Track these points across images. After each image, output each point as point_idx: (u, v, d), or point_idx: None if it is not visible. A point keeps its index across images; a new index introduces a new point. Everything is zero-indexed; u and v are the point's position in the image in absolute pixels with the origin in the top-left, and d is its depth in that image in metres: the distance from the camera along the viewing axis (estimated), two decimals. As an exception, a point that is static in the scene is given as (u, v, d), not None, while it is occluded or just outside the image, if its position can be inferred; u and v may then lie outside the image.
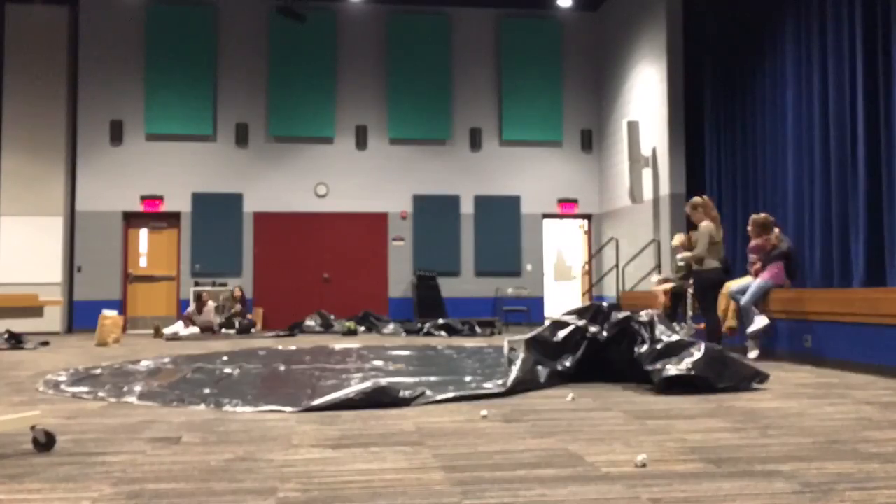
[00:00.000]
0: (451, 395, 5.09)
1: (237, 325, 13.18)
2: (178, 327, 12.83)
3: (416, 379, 5.92)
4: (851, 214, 8.42)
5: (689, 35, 12.29)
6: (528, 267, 15.28)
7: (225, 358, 7.98)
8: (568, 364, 5.80)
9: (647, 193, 12.97)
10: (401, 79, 15.04)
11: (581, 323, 5.92)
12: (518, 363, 5.65)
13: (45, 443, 3.47)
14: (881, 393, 5.28)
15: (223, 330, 13.07)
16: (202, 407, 4.82)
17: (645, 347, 5.50)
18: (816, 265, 8.94)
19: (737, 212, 11.01)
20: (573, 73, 15.58)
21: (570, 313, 6.12)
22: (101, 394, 5.34)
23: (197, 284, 14.23)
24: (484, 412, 4.44)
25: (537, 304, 15.13)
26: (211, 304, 13.31)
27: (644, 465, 3.12)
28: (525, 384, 5.43)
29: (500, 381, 5.52)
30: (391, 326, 13.20)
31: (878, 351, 6.45)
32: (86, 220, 14.21)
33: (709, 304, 7.89)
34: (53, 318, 13.26)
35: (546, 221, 15.59)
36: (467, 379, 5.93)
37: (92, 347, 10.12)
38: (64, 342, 11.18)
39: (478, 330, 12.61)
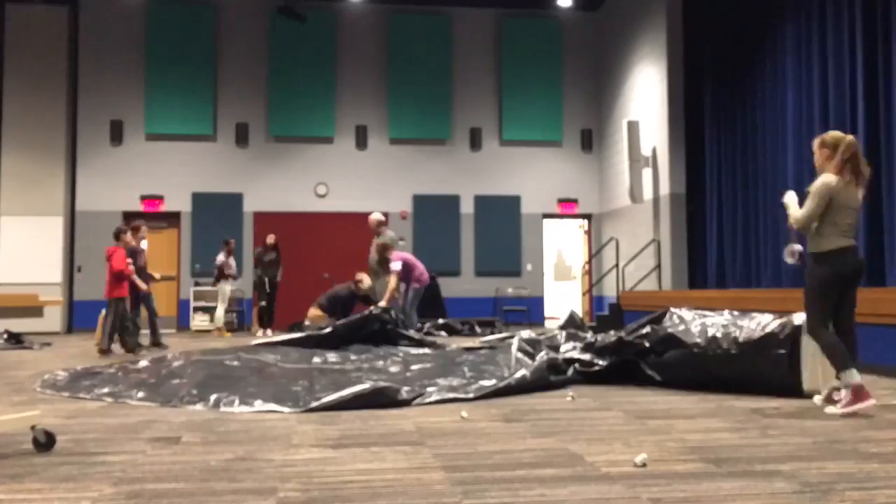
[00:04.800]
0: (451, 395, 5.09)
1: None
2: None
3: (416, 378, 5.90)
4: (851, 214, 8.41)
5: (689, 35, 12.30)
6: (528, 267, 15.28)
7: (225, 357, 7.96)
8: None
9: (647, 193, 12.97)
10: (401, 79, 15.04)
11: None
12: (535, 363, 5.71)
13: (45, 443, 3.47)
14: (881, 393, 5.28)
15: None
16: (202, 407, 4.82)
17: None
18: (816, 265, 8.93)
19: (737, 212, 11.01)
20: (573, 73, 15.58)
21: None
22: (100, 393, 5.34)
23: (197, 284, 14.23)
24: (464, 413, 4.44)
25: (537, 304, 15.14)
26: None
27: (644, 465, 3.12)
28: (532, 384, 5.47)
29: (502, 379, 5.50)
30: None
31: (878, 351, 6.45)
32: (86, 220, 14.21)
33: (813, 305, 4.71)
34: (53, 318, 13.27)
35: (546, 221, 15.59)
36: (464, 379, 5.90)
37: (92, 347, 10.11)
38: (64, 342, 11.18)
39: (478, 330, 12.60)
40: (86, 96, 14.37)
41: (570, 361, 5.98)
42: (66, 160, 14.15)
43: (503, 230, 15.16)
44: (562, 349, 6.20)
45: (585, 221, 15.81)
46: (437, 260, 14.90)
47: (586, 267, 15.60)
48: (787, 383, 5.07)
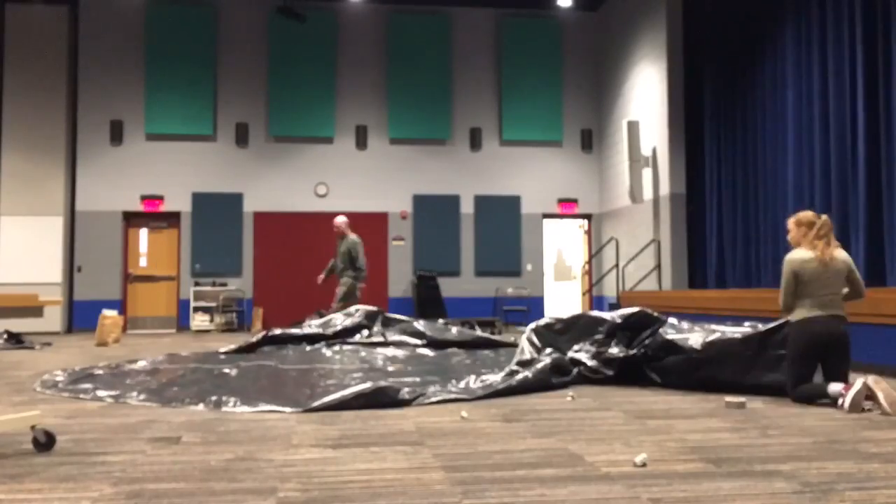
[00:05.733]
0: (451, 396, 5.09)
1: None
2: None
3: (416, 378, 5.91)
4: (851, 214, 8.42)
5: (689, 35, 12.30)
6: (528, 267, 15.28)
7: (224, 358, 7.97)
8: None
9: (647, 193, 12.97)
10: (401, 79, 15.04)
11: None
12: (538, 366, 5.71)
13: (45, 443, 3.47)
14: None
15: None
16: (202, 407, 4.82)
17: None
18: (816, 265, 8.93)
19: (737, 212, 11.01)
20: (573, 73, 15.58)
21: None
22: (100, 394, 5.34)
23: (197, 284, 14.23)
24: (464, 413, 4.44)
25: (537, 303, 15.13)
26: None
27: (644, 465, 3.12)
28: (533, 385, 5.46)
29: (502, 379, 5.50)
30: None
31: (879, 351, 6.45)
32: (86, 220, 14.21)
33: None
34: (53, 318, 13.27)
35: (546, 221, 15.59)
36: (463, 381, 5.88)
37: (92, 347, 10.12)
38: (64, 342, 11.18)
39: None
40: (86, 96, 14.36)
41: (577, 363, 5.98)
42: (66, 160, 14.14)
43: (503, 230, 15.16)
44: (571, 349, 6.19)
45: (585, 221, 15.80)
46: (437, 260, 14.92)
47: (586, 267, 15.61)
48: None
